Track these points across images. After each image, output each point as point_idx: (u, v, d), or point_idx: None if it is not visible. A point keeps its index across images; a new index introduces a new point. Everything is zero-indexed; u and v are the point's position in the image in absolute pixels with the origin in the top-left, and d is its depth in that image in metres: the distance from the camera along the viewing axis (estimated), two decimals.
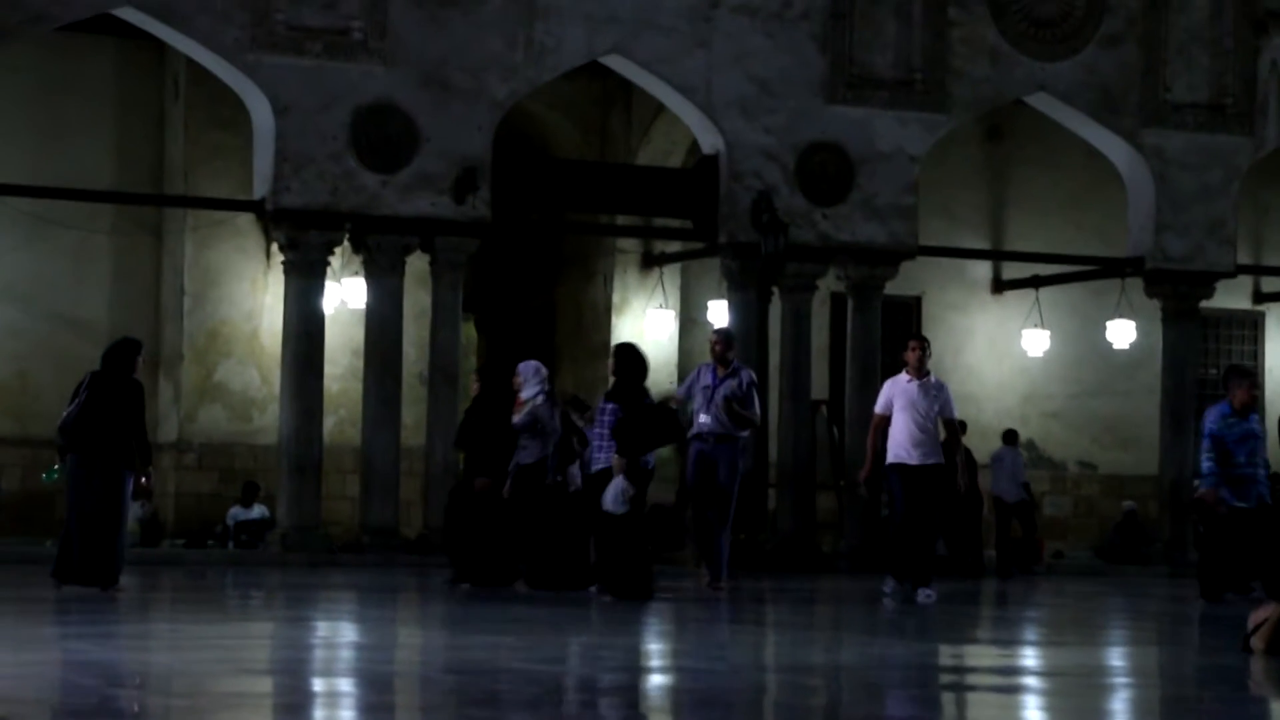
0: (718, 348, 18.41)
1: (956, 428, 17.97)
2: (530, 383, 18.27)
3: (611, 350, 18.20)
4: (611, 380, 17.53)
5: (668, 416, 17.32)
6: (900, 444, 17.32)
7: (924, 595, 17.14)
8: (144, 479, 16.53)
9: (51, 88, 26.13)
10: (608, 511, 16.74)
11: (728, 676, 10.75)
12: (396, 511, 23.43)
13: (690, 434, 18.32)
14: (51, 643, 11.96)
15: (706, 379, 18.34)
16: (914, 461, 17.26)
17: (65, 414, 16.60)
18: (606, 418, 17.02)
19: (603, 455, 17.05)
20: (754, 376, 18.78)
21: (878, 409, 17.70)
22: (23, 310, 25.86)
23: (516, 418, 18.05)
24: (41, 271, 25.95)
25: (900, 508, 17.46)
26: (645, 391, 17.19)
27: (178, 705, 9.02)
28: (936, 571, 18.08)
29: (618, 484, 16.73)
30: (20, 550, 22.17)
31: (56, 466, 16.96)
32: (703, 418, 18.19)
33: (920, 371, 17.48)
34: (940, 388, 17.61)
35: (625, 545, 16.79)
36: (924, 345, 17.70)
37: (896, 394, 17.48)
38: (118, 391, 16.43)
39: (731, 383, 18.18)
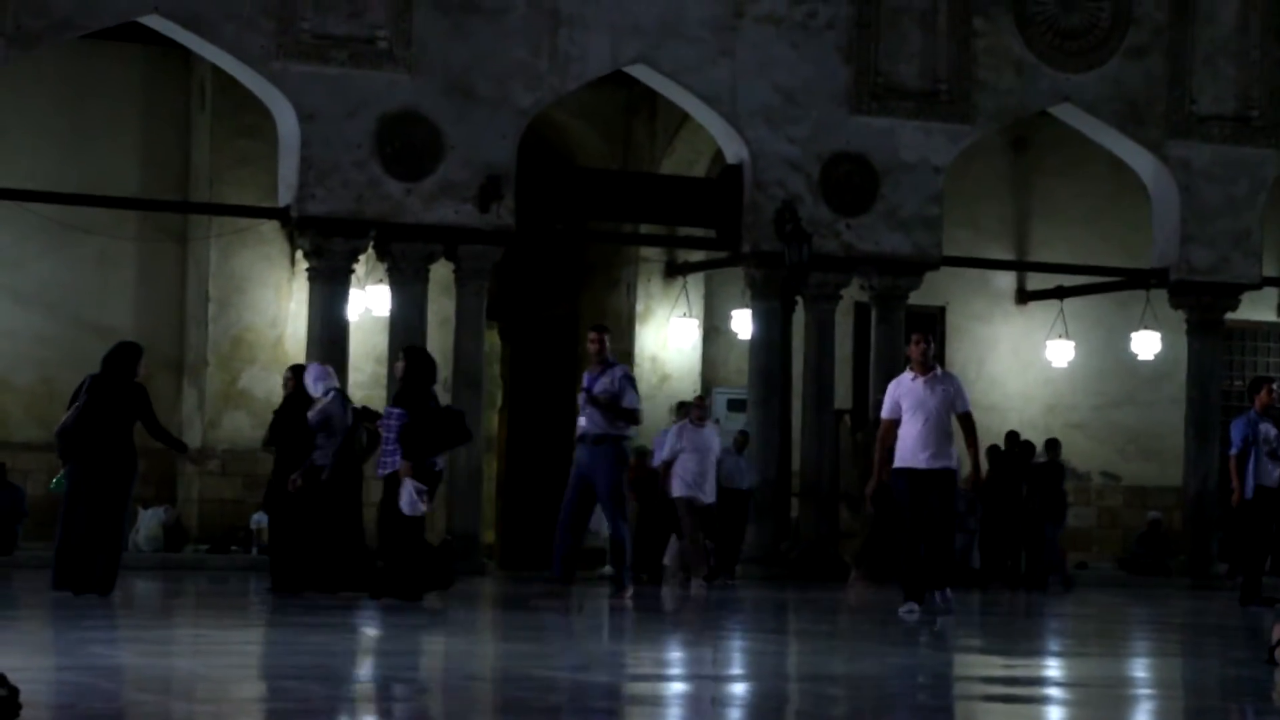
0: (594, 345, 17.95)
1: (973, 423, 16.68)
2: (319, 382, 18.30)
3: (399, 354, 18.18)
4: (399, 384, 17.49)
5: (454, 419, 17.33)
6: (908, 447, 16.23)
7: (940, 599, 16.55)
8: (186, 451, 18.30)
9: (78, 94, 26.20)
10: (405, 515, 16.79)
11: (749, 685, 10.74)
12: None
13: (576, 437, 18.02)
14: (74, 647, 11.98)
15: (585, 381, 18.01)
16: (922, 465, 16.20)
17: (65, 418, 16.53)
18: (393, 422, 17.03)
19: (389, 460, 17.02)
20: (628, 371, 18.35)
21: (884, 414, 16.60)
22: (48, 316, 25.92)
23: (309, 415, 18.10)
24: (67, 278, 26.01)
25: (908, 516, 16.41)
26: (432, 395, 17.23)
27: (201, 711, 9.03)
28: (969, 583, 17.81)
29: (409, 487, 16.77)
30: (45, 556, 22.19)
31: (62, 473, 16.87)
32: (581, 420, 17.84)
33: (925, 367, 16.39)
34: (949, 379, 16.57)
35: (414, 546, 16.90)
36: (927, 339, 16.58)
37: (903, 394, 16.35)
38: (119, 396, 16.34)
39: (604, 380, 17.73)
